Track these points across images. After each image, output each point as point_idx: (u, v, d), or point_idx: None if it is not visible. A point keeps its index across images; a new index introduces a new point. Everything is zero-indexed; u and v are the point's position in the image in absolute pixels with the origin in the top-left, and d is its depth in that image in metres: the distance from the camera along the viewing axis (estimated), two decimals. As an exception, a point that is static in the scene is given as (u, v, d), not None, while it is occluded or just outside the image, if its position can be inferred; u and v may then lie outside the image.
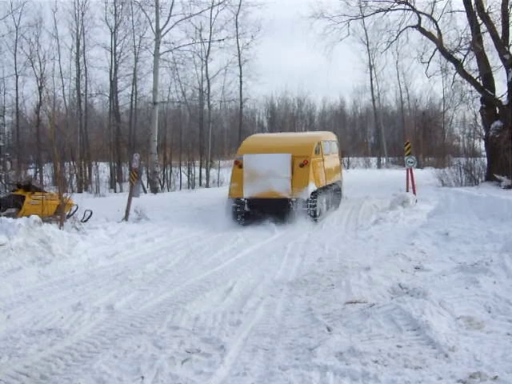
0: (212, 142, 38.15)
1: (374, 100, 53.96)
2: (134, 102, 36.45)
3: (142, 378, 4.51)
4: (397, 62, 51.18)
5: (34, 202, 13.06)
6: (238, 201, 15.10)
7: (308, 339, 5.24)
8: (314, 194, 14.98)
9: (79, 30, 35.32)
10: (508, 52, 24.37)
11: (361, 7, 28.80)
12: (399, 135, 50.87)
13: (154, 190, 29.79)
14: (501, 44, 24.16)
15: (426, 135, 48.02)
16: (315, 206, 14.85)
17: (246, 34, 36.39)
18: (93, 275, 8.72)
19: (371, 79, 52.71)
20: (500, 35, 24.48)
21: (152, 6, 31.03)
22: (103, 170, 35.04)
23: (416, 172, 21.78)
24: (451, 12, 26.86)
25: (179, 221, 14.34)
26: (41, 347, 5.37)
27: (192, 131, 39.09)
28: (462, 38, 26.33)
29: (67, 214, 13.20)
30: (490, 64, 25.55)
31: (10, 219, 10.28)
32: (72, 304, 6.90)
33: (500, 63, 25.22)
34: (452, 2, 26.38)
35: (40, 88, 34.21)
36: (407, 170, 19.88)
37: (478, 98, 26.65)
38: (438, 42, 26.02)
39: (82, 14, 35.21)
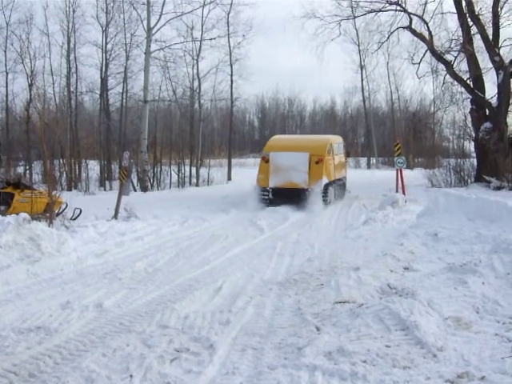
0: (202, 141, 38.11)
1: (364, 100, 54.13)
2: (124, 100, 36.35)
3: (131, 376, 4.50)
4: (388, 63, 51.38)
5: (24, 200, 13.00)
6: (264, 189, 18.76)
7: (297, 339, 5.25)
8: (326, 186, 18.67)
9: (70, 27, 35.20)
10: (498, 54, 24.52)
11: (352, 8, 28.85)
12: (389, 136, 51.12)
13: (144, 189, 29.72)
14: (491, 46, 24.30)
15: (416, 136, 48.15)
16: (327, 195, 18.63)
17: (238, 33, 36.31)
18: (82, 273, 8.69)
19: (362, 80, 52.90)
20: (490, 37, 24.63)
21: (143, 4, 30.97)
22: (93, 167, 34.87)
23: (406, 173, 21.86)
24: (442, 13, 26.97)
25: (169, 219, 14.31)
26: (29, 345, 5.35)
27: (182, 130, 38.99)
28: (452, 40, 26.48)
29: (56, 211, 13.13)
30: (481, 66, 25.70)
31: (-1, 217, 10.23)
32: (61, 302, 6.87)
33: (490, 65, 25.38)
34: (443, 4, 26.40)
35: (30, 85, 34.04)
36: (397, 171, 19.96)
37: (468, 100, 26.79)
38: (429, 43, 26.11)
39: (73, 11, 35.10)
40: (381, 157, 52.10)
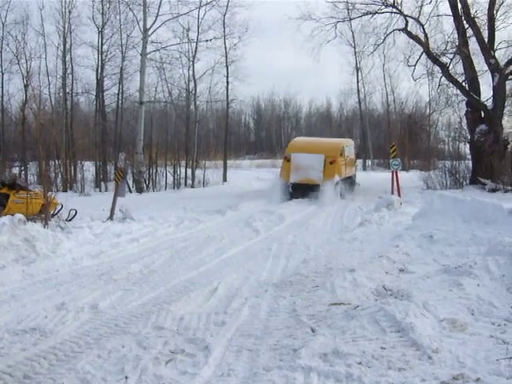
0: (198, 143, 38.07)
1: (360, 102, 54.19)
2: (120, 102, 36.33)
3: (126, 378, 4.50)
4: (383, 65, 51.51)
5: (19, 201, 12.96)
6: (285, 183, 22.06)
7: (292, 340, 5.25)
8: (338, 182, 22.07)
9: (66, 28, 35.11)
10: (493, 56, 24.61)
11: (348, 10, 28.91)
12: (385, 138, 51.16)
13: (140, 190, 29.71)
14: (486, 48, 24.38)
15: (412, 138, 48.20)
16: (338, 190, 21.93)
17: (234, 34, 36.32)
18: (77, 275, 8.68)
19: (358, 81, 52.96)
20: (486, 40, 24.71)
21: (140, 5, 31.00)
22: (88, 169, 34.81)
23: (401, 174, 21.90)
24: (438, 16, 27.07)
25: (164, 221, 14.29)
26: (24, 347, 5.34)
27: (178, 131, 39.02)
28: (448, 42, 26.59)
29: (52, 212, 13.10)
30: (476, 68, 25.80)
31: (-6, 218, 10.20)
32: (56, 303, 6.85)
33: (486, 67, 25.48)
34: (439, 6, 26.51)
35: (26, 86, 34.04)
36: (392, 173, 19.99)
37: (464, 102, 26.90)
38: (425, 45, 26.19)
39: (69, 12, 35.01)
40: (376, 159, 52.18)
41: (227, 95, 37.95)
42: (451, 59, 26.67)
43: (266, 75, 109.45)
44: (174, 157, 35.17)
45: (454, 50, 26.05)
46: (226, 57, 36.81)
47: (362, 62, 50.67)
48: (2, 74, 34.68)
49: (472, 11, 24.94)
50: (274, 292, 7.33)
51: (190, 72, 36.60)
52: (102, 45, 35.04)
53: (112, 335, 5.65)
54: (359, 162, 52.39)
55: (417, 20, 27.04)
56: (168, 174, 34.26)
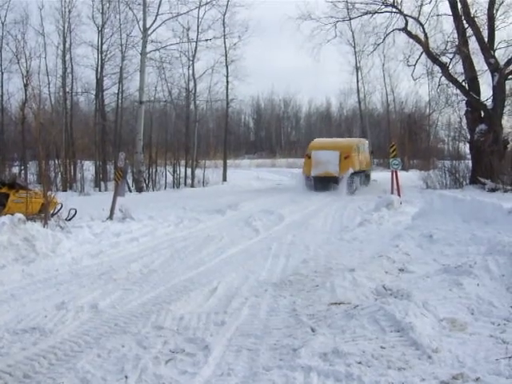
0: (198, 142, 38.11)
1: (359, 102, 54.23)
2: (120, 101, 36.35)
3: (126, 377, 4.50)
4: (383, 65, 51.61)
5: (19, 200, 12.98)
6: (307, 177, 26.69)
7: (292, 340, 5.25)
8: (352, 174, 25.87)
9: (66, 27, 35.15)
10: (493, 56, 24.60)
11: (348, 9, 28.94)
12: (385, 137, 51.20)
13: (139, 189, 29.74)
14: (486, 48, 24.37)
15: (412, 138, 48.27)
16: (353, 181, 25.91)
17: (233, 34, 36.41)
18: (77, 274, 8.68)
19: (357, 81, 52.97)
20: (486, 39, 24.71)
21: (139, 4, 31.05)
22: (88, 168, 34.84)
23: (401, 174, 21.90)
24: (438, 16, 27.07)
25: (164, 220, 14.30)
26: (24, 346, 5.34)
27: (178, 131, 39.04)
28: (448, 42, 26.59)
29: (52, 212, 13.11)
30: (476, 68, 25.81)
31: (-6, 217, 10.20)
32: (56, 303, 6.85)
33: (485, 67, 25.49)
34: (439, 6, 26.54)
35: (25, 85, 34.04)
36: (392, 172, 19.99)
37: (464, 102, 26.90)
38: (425, 45, 26.19)
39: (69, 11, 35.07)
40: (376, 158, 52.19)
41: (227, 95, 38.00)
42: (451, 59, 26.68)
43: (265, 75, 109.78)
44: (174, 156, 35.19)
45: (454, 49, 26.05)
46: (226, 56, 36.87)
47: (361, 62, 50.72)
48: (2, 74, 34.74)
49: (472, 11, 24.95)
50: (274, 292, 7.32)
51: (190, 71, 36.69)
52: (102, 44, 35.11)
53: (112, 335, 5.64)
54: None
55: (416, 20, 27.05)
56: (168, 173, 34.27)
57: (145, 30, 30.63)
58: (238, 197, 22.40)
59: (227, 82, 37.55)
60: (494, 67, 24.36)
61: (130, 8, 32.37)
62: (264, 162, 58.79)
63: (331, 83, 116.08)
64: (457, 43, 25.39)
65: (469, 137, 26.55)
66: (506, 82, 24.90)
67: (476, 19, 24.91)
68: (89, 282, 8.16)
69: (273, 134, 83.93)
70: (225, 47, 36.85)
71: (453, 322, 5.44)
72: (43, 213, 12.45)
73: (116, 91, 36.41)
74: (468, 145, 27.49)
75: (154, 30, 31.22)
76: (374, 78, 54.81)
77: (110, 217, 14.22)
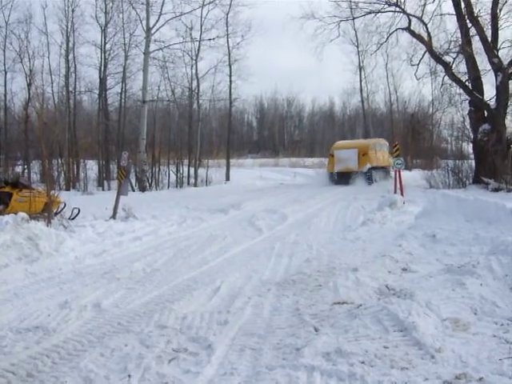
0: (201, 141, 38.14)
1: (363, 101, 54.20)
2: (123, 100, 36.42)
3: (129, 376, 4.50)
4: (386, 64, 51.70)
5: (22, 199, 12.99)
6: (331, 173, 31.71)
7: (295, 339, 5.24)
8: (370, 169, 30.10)
9: (69, 26, 35.26)
10: (497, 56, 24.55)
11: (351, 9, 28.94)
12: (388, 137, 51.04)
13: (142, 189, 29.77)
14: (490, 48, 24.32)
15: (415, 137, 48.22)
16: (371, 175, 30.05)
17: (237, 33, 36.53)
18: (80, 273, 8.69)
19: (360, 81, 52.97)
20: (489, 39, 24.65)
21: (143, 3, 31.09)
22: (91, 167, 34.92)
23: (404, 174, 21.87)
24: (441, 15, 27.03)
25: (167, 220, 14.31)
26: (27, 345, 5.34)
27: (181, 130, 39.08)
28: (451, 41, 26.54)
29: (55, 211, 13.13)
30: (479, 67, 25.72)
31: (-3, 216, 10.23)
32: (59, 302, 6.86)
33: (489, 67, 25.41)
34: (442, 5, 26.51)
35: (29, 84, 34.11)
36: (395, 172, 19.98)
37: (467, 101, 26.84)
38: (428, 44, 26.16)
39: (72, 10, 35.17)
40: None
41: (230, 94, 38.07)
42: (454, 58, 26.64)
43: (268, 74, 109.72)
44: (177, 155, 35.21)
45: (457, 49, 26.00)
46: (229, 56, 36.96)
47: (365, 61, 50.77)
48: (5, 73, 34.82)
49: (475, 10, 24.89)
50: (277, 291, 7.32)
51: (193, 71, 36.77)
52: (105, 43, 35.20)
53: (115, 334, 5.65)
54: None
55: (420, 19, 27.02)
56: (171, 172, 34.30)
57: (148, 30, 30.64)
58: (240, 196, 22.42)
59: (230, 81, 37.65)
60: (497, 67, 24.30)
61: (133, 7, 32.44)
62: (267, 161, 58.79)
63: (334, 83, 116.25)
64: (460, 43, 25.33)
65: (472, 136, 26.51)
66: (510, 81, 24.83)
67: (479, 18, 24.85)
68: (92, 281, 8.17)
69: (276, 133, 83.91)
70: (228, 46, 36.95)
71: (456, 321, 5.43)
72: (46, 212, 12.46)
73: (119, 90, 36.54)
74: (471, 144, 27.45)
75: (157, 30, 31.27)
76: (377, 78, 55.04)
77: (113, 216, 14.24)
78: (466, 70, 26.23)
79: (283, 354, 4.89)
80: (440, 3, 26.57)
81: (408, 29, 27.19)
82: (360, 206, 18.12)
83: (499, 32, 25.22)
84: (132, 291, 7.52)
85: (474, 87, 25.37)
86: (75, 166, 33.98)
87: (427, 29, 26.73)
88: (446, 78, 27.40)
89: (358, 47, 49.43)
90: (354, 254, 9.73)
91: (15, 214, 10.45)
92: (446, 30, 27.58)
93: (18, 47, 34.51)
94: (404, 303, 5.65)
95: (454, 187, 24.20)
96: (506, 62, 24.59)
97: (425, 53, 27.50)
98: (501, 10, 24.94)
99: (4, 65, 34.50)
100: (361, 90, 53.52)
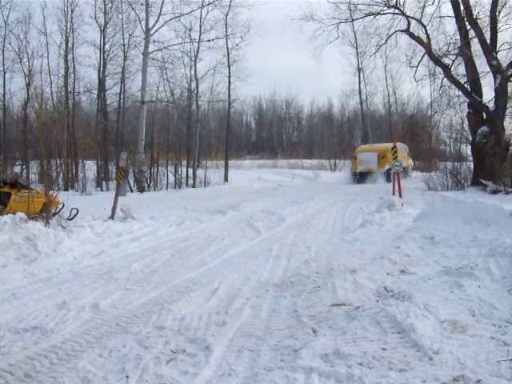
0: (199, 142, 38.13)
1: (361, 103, 54.23)
2: (121, 101, 36.39)
3: (127, 377, 4.50)
4: (385, 66, 51.69)
5: (20, 200, 12.98)
6: (354, 173, 36.52)
7: (293, 341, 5.24)
8: (388, 170, 30.02)
9: (68, 27, 35.26)
10: (496, 58, 24.57)
11: (350, 10, 28.92)
12: (386, 139, 51.10)
13: (141, 189, 29.76)
14: (489, 50, 24.35)
15: (413, 139, 48.26)
16: (389, 174, 28.13)
17: (236, 34, 36.53)
18: (78, 274, 8.68)
19: (359, 82, 53.04)
20: (488, 41, 24.67)
21: (142, 4, 31.11)
22: (90, 168, 34.92)
23: (402, 176, 21.86)
24: (440, 17, 27.03)
25: (165, 220, 14.31)
26: (25, 345, 5.34)
27: (179, 131, 39.07)
28: (450, 43, 26.54)
29: (53, 211, 13.12)
30: (478, 70, 25.74)
31: (-4, 216, 10.22)
32: (57, 302, 6.86)
33: (488, 69, 25.43)
34: (441, 7, 26.52)
35: (28, 85, 34.11)
36: (394, 174, 19.97)
37: (466, 103, 26.86)
38: (427, 46, 26.18)
39: (72, 11, 35.17)
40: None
41: (229, 95, 38.09)
42: (453, 60, 26.64)
43: (267, 76, 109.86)
44: (176, 156, 35.21)
45: (456, 51, 26.01)
46: (228, 57, 36.97)
47: (363, 63, 50.86)
48: (4, 73, 34.83)
49: (474, 12, 24.90)
50: (275, 292, 7.32)
51: (192, 72, 36.80)
52: (104, 44, 35.18)
53: (113, 334, 5.65)
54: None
55: (419, 21, 27.02)
56: (169, 173, 34.29)
57: (147, 30, 30.66)
58: (239, 197, 22.41)
59: (229, 82, 37.67)
60: (496, 69, 24.32)
61: (132, 8, 32.45)
62: (265, 162, 58.76)
63: (333, 84, 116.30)
64: (459, 45, 25.34)
65: (470, 139, 26.51)
66: (509, 83, 24.86)
67: (478, 21, 24.87)
68: (90, 281, 8.17)
69: (274, 134, 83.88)
70: (227, 48, 36.96)
71: (454, 323, 5.44)
72: (45, 212, 12.45)
73: (118, 91, 36.52)
74: (470, 147, 27.46)
75: (156, 30, 31.31)
76: (376, 80, 55.04)
77: (112, 216, 14.23)
78: (464, 72, 26.25)
79: (281, 356, 4.89)
80: (439, 5, 26.61)
81: (407, 31, 27.20)
82: (358, 207, 18.12)
83: (498, 34, 25.26)
84: (130, 292, 7.51)
85: (472, 89, 25.38)
86: (74, 167, 33.96)
87: (426, 31, 26.75)
88: (445, 80, 27.43)
89: (356, 49, 49.57)
90: (353, 256, 9.73)
91: (13, 214, 10.44)
92: (445, 32, 27.61)
93: (17, 47, 34.58)
94: (402, 305, 5.66)
95: (453, 189, 24.20)
96: (504, 65, 24.62)
97: (424, 55, 27.51)
98: (500, 12, 25.00)
99: (3, 65, 34.56)
100: (359, 92, 53.58)
